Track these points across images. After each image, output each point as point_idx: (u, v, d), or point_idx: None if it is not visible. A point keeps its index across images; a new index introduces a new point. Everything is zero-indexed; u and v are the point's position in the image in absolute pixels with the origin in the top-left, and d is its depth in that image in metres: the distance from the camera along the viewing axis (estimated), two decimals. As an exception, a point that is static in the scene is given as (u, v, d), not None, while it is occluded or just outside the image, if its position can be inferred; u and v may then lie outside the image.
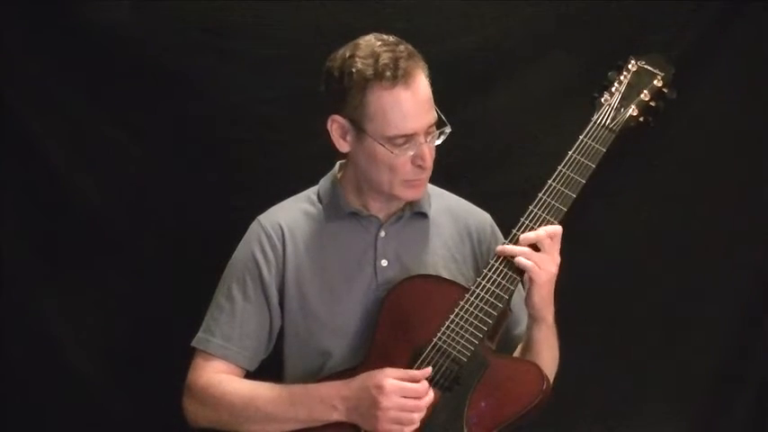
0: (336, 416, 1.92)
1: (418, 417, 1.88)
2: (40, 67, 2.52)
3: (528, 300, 1.98)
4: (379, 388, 1.87)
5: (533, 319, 2.01)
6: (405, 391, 1.88)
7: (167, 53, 2.55)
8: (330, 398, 1.93)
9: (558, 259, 1.96)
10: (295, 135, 2.57)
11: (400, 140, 1.97)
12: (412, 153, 1.97)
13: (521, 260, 1.94)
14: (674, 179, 2.71)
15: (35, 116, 2.54)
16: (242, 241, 2.13)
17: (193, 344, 2.09)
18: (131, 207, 2.60)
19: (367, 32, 2.04)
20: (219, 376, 2.04)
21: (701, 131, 2.69)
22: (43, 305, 2.58)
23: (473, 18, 2.62)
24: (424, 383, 1.90)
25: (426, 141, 1.98)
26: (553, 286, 1.98)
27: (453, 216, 2.17)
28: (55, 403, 2.59)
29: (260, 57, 2.56)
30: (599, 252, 2.65)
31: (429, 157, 1.99)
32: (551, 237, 1.95)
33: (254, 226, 2.13)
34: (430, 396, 1.89)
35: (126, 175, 2.60)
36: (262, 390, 2.01)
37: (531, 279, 1.95)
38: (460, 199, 2.22)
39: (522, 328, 2.09)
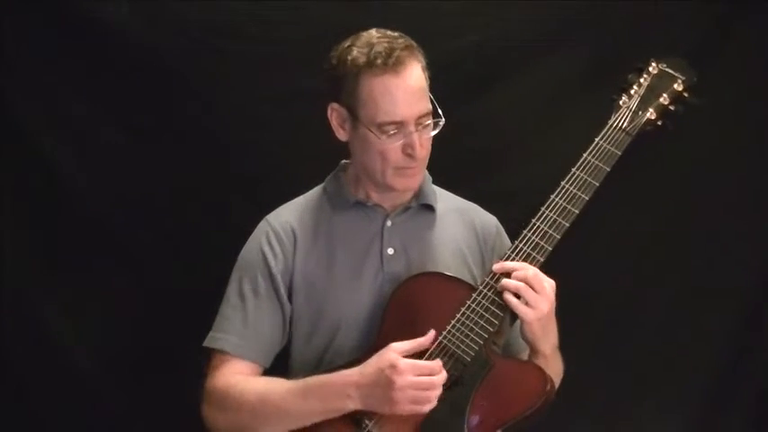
0: (352, 404, 1.89)
1: (434, 395, 1.85)
2: (40, 66, 2.53)
3: (521, 333, 1.96)
4: (393, 367, 1.84)
5: (530, 348, 1.99)
6: (418, 368, 1.86)
7: (167, 53, 2.55)
8: (344, 386, 1.89)
9: (552, 299, 1.92)
10: (295, 135, 2.57)
11: (389, 128, 1.97)
12: (401, 141, 1.98)
13: (507, 296, 1.91)
14: (674, 179, 2.71)
15: (35, 116, 2.54)
16: (249, 239, 2.12)
17: (207, 344, 2.06)
18: (131, 207, 2.60)
19: (367, 32, 2.05)
20: (236, 377, 2.01)
21: (701, 131, 2.69)
22: (43, 305, 2.58)
23: (473, 18, 2.63)
24: (437, 361, 1.88)
25: (417, 131, 1.98)
26: (548, 323, 1.95)
27: (460, 213, 2.17)
28: (55, 403, 2.59)
29: (260, 57, 2.56)
30: (599, 252, 2.65)
31: (419, 146, 1.98)
32: (542, 280, 1.91)
33: (261, 224, 2.12)
34: (443, 375, 1.87)
35: (126, 174, 2.60)
36: (274, 385, 1.97)
37: (519, 317, 1.92)
38: (467, 201, 2.21)
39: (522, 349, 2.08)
